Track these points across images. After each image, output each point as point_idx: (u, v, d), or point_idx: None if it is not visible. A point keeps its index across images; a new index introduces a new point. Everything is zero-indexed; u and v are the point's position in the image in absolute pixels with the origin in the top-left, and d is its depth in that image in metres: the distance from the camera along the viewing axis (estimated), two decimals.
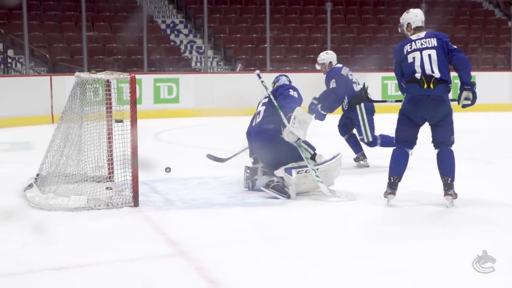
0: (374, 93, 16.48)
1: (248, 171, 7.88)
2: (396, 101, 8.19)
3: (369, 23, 23.25)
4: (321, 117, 9.37)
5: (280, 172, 7.50)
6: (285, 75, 8.35)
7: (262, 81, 7.97)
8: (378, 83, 17.74)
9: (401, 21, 7.20)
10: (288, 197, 7.39)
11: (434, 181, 7.29)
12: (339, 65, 9.39)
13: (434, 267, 5.07)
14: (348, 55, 21.53)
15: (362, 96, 9.05)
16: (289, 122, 7.43)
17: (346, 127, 9.51)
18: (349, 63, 20.79)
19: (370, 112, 9.29)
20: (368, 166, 9.40)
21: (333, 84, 9.17)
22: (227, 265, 5.18)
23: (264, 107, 7.89)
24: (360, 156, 9.54)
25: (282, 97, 7.82)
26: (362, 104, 9.24)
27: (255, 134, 7.82)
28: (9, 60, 18.66)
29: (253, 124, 7.94)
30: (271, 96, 7.82)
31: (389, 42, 21.95)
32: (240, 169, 8.10)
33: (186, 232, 6.18)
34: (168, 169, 8.39)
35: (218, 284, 4.77)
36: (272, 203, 7.28)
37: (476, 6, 25.35)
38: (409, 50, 6.92)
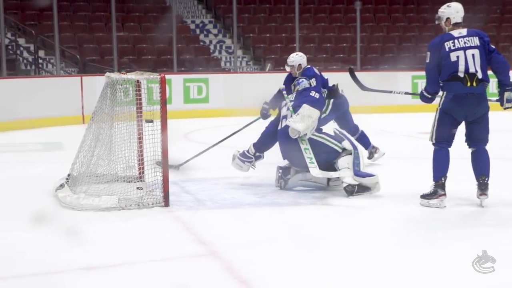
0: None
1: (281, 170, 7.88)
2: (406, 93, 8.10)
3: (399, 22, 23.12)
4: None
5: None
6: (305, 78, 8.34)
7: (284, 93, 8.15)
8: (408, 82, 17.61)
9: (440, 13, 6.98)
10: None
11: (463, 180, 7.25)
12: (308, 66, 9.26)
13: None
14: (378, 54, 21.45)
15: (333, 92, 9.01)
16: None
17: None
18: (378, 62, 20.90)
19: (336, 110, 9.24)
20: (384, 153, 9.42)
21: (313, 82, 9.11)
22: (258, 265, 5.18)
23: (289, 111, 7.93)
24: (371, 150, 9.52)
25: (300, 97, 7.92)
26: (332, 100, 9.18)
27: (282, 136, 7.85)
28: (40, 61, 18.79)
29: (280, 127, 7.97)
30: (289, 104, 7.92)
31: (419, 41, 21.89)
32: (269, 170, 8.10)
33: (216, 232, 6.18)
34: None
35: (248, 284, 4.77)
36: (302, 203, 7.27)
37: (507, 4, 25.13)
38: (452, 48, 6.78)
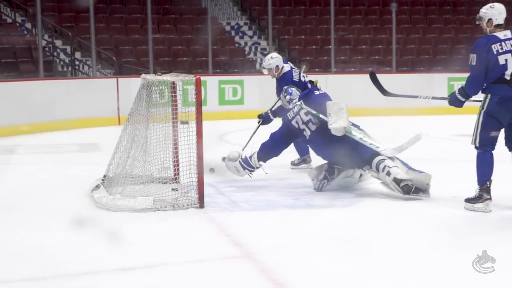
0: (440, 94, 16.28)
1: (325, 172, 7.83)
2: (433, 97, 7.80)
3: (435, 23, 22.96)
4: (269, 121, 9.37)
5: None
6: (293, 87, 8.39)
7: (300, 103, 8.07)
8: (444, 84, 17.47)
9: (482, 14, 6.80)
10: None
11: (504, 184, 7.18)
12: (288, 68, 9.21)
13: None
14: (414, 56, 21.33)
15: None
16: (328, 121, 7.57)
17: None
18: (414, 64, 20.79)
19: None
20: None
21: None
22: (293, 268, 5.15)
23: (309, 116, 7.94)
24: (306, 157, 9.42)
25: (312, 101, 7.96)
26: None
27: (325, 142, 7.87)
28: (77, 63, 18.92)
29: (308, 136, 7.99)
30: (308, 109, 7.89)
31: (455, 42, 21.74)
32: (302, 171, 8.09)
33: (251, 233, 6.17)
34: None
35: (283, 287, 4.76)
36: (337, 205, 7.24)
37: None
38: (500, 51, 6.62)
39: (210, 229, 6.44)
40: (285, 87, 8.51)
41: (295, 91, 8.28)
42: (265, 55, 20.87)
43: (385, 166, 7.46)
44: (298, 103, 8.02)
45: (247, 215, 6.90)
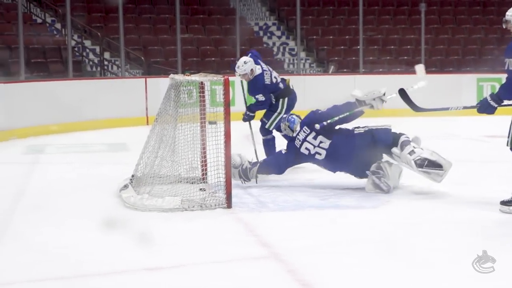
0: (469, 95, 16.20)
1: (380, 173, 7.74)
2: (464, 107, 7.59)
3: (464, 24, 22.78)
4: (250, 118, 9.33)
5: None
6: (292, 115, 8.38)
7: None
8: (473, 85, 17.33)
9: (508, 17, 6.68)
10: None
11: None
12: (259, 70, 9.08)
13: None
14: (442, 56, 21.19)
15: (286, 91, 9.08)
16: (363, 102, 7.77)
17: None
18: (443, 64, 20.65)
19: (290, 108, 9.13)
20: None
21: (260, 98, 8.99)
22: (320, 268, 5.14)
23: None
24: None
25: (323, 116, 7.96)
26: (286, 99, 9.12)
27: (353, 147, 7.89)
28: (106, 63, 19.00)
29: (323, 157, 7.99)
30: (325, 125, 7.87)
31: (485, 43, 21.59)
32: (330, 173, 8.08)
33: (278, 234, 6.16)
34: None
35: (311, 287, 4.74)
36: (365, 206, 7.19)
37: None
38: None
39: (237, 229, 6.43)
40: (284, 115, 8.51)
41: (296, 120, 8.22)
42: (293, 55, 20.92)
43: (410, 146, 7.61)
44: (304, 129, 7.99)
45: (275, 215, 6.88)
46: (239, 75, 9.00)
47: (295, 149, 8.02)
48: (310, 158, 7.99)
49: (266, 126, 9.20)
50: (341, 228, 6.40)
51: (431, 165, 7.42)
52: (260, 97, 8.95)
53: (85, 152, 11.71)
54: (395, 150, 7.73)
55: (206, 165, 7.52)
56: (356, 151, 7.78)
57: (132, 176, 7.78)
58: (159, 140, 7.70)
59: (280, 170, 8.18)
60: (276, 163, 8.17)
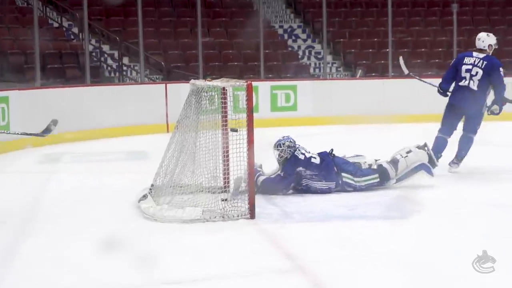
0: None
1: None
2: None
3: (498, 25, 22.34)
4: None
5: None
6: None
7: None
8: (508, 88, 16.86)
9: None
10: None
11: None
12: None
13: None
14: None
15: None
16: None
17: None
18: None
19: None
20: None
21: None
22: (347, 281, 5.12)
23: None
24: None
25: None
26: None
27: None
28: (124, 68, 18.89)
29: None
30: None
31: None
32: None
33: (304, 246, 6.09)
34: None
35: None
36: (393, 216, 7.13)
37: None
38: None
39: (261, 241, 6.35)
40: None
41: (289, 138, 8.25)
42: (319, 59, 20.67)
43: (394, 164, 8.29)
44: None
45: (300, 226, 6.79)
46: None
47: (293, 162, 8.05)
48: (307, 163, 7.99)
49: None
50: (368, 239, 6.30)
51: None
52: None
53: (103, 161, 11.56)
54: (393, 177, 8.26)
55: (228, 174, 7.37)
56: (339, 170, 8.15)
57: (152, 185, 7.70)
58: (179, 148, 7.60)
59: (277, 192, 8.03)
60: (275, 186, 8.06)
